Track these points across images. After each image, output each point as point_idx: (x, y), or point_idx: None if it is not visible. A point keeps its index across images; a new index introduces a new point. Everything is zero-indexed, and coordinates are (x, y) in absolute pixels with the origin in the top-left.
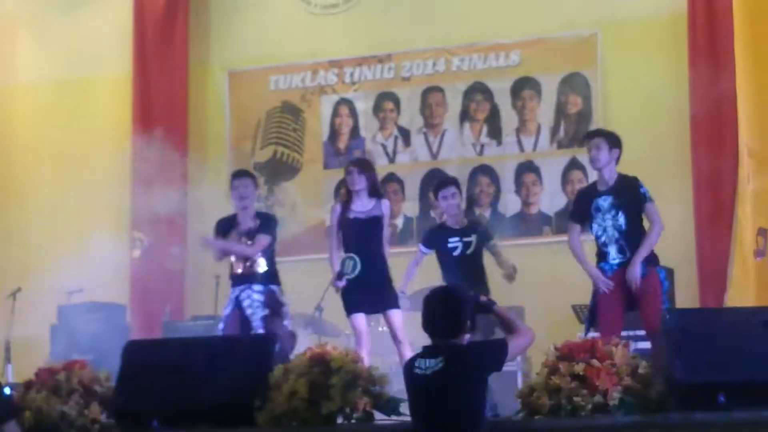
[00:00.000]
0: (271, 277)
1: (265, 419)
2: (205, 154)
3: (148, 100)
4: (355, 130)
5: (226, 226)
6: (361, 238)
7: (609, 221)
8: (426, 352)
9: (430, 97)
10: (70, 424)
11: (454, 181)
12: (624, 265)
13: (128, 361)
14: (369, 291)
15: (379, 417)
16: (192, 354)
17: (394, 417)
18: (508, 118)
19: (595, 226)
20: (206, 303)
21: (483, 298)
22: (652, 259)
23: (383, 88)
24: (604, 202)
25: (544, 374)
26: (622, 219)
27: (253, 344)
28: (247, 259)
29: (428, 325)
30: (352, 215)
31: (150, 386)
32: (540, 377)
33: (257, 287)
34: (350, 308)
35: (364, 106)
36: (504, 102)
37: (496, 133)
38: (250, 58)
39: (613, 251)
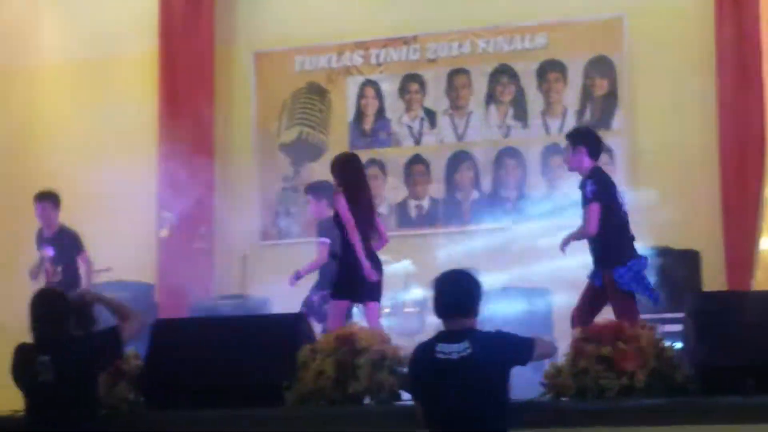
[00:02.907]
0: None
1: (292, 398)
2: (230, 134)
3: (173, 80)
4: (380, 112)
5: None
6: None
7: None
8: (446, 336)
9: (456, 79)
10: (99, 402)
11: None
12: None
13: (156, 340)
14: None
15: (406, 397)
16: (220, 333)
17: None
18: (534, 101)
19: None
20: (234, 282)
21: None
22: (606, 262)
23: (409, 69)
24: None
25: (570, 356)
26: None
27: (280, 323)
28: None
29: (444, 306)
30: None
31: (178, 365)
32: (567, 359)
33: None
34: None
35: (389, 87)
36: (530, 84)
37: (522, 115)
38: (276, 38)
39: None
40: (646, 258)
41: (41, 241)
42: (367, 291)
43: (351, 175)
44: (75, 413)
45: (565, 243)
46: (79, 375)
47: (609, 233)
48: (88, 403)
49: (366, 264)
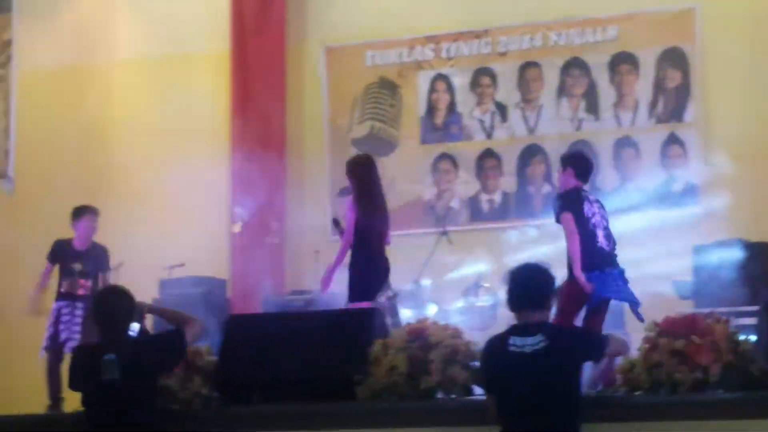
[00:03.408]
0: None
1: (364, 394)
2: (302, 129)
3: (245, 76)
4: (451, 106)
5: None
6: None
7: None
8: (519, 330)
9: (527, 72)
10: (173, 397)
11: None
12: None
13: (229, 335)
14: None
15: (478, 392)
16: (292, 328)
17: None
18: (606, 93)
19: None
20: (306, 277)
21: None
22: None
23: (480, 63)
24: None
25: (644, 350)
26: None
27: (353, 318)
28: None
29: (518, 299)
30: None
31: (251, 360)
32: (640, 353)
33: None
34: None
35: (460, 81)
36: (601, 77)
37: (593, 108)
38: (346, 34)
39: None
40: (618, 271)
41: (69, 253)
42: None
43: (364, 177)
44: (137, 412)
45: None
46: (144, 375)
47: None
48: (149, 402)
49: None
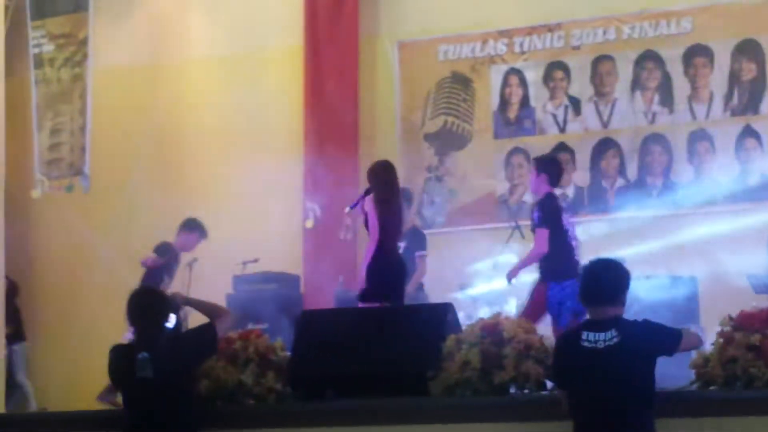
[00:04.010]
0: None
1: (438, 389)
2: (375, 125)
3: (319, 72)
4: (525, 100)
5: None
6: None
7: None
8: (591, 325)
9: (601, 65)
10: (247, 392)
11: None
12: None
13: (303, 330)
14: None
15: (551, 387)
16: (365, 324)
17: None
18: (680, 86)
19: None
20: None
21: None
22: (544, 275)
23: (553, 57)
24: None
25: (719, 345)
26: None
27: (426, 314)
28: None
29: (592, 294)
30: None
31: (324, 356)
32: (715, 348)
33: None
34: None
35: (534, 75)
36: (676, 70)
37: (667, 101)
38: (419, 28)
39: None
40: None
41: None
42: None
43: (383, 182)
44: (173, 408)
45: (513, 274)
46: (177, 370)
47: (551, 252)
48: (185, 398)
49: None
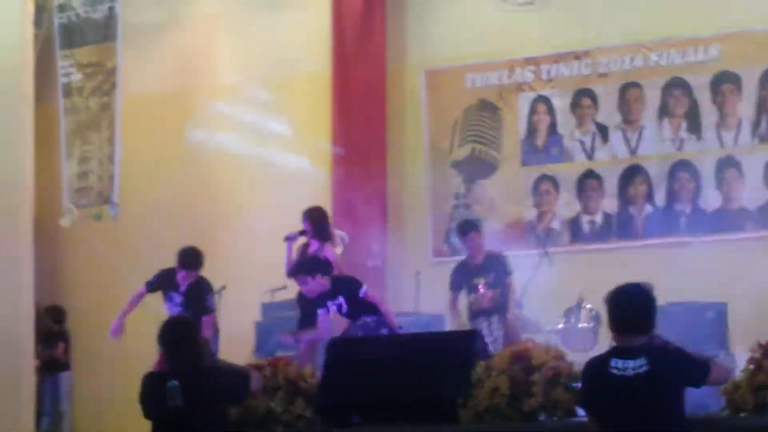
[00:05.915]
0: None
1: (467, 416)
2: (403, 152)
3: (346, 99)
4: (552, 127)
5: None
6: None
7: None
8: (621, 352)
9: (628, 92)
10: (276, 419)
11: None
12: None
13: (332, 357)
14: None
15: (581, 413)
16: (394, 350)
17: None
18: (708, 113)
19: None
20: (407, 299)
21: None
22: None
23: (580, 84)
24: None
25: (748, 371)
26: None
27: (455, 341)
28: None
29: (620, 322)
30: None
31: (353, 383)
32: (744, 374)
33: None
34: None
35: (561, 102)
36: (703, 97)
37: (695, 128)
38: (446, 56)
39: None
40: None
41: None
42: None
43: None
44: None
45: None
46: (208, 403)
47: None
48: (215, 425)
49: None
